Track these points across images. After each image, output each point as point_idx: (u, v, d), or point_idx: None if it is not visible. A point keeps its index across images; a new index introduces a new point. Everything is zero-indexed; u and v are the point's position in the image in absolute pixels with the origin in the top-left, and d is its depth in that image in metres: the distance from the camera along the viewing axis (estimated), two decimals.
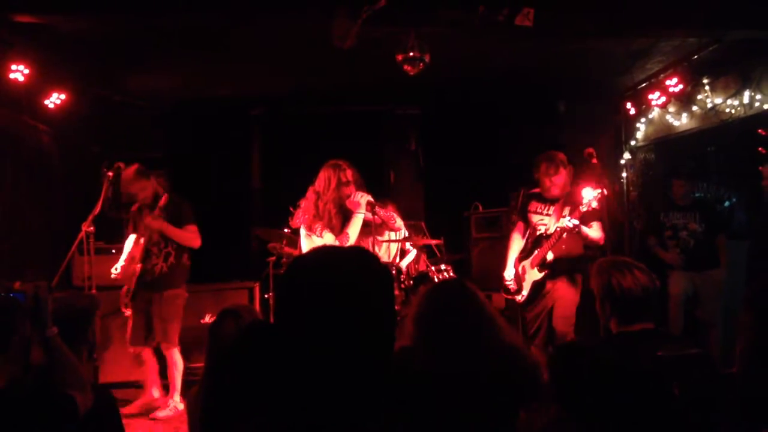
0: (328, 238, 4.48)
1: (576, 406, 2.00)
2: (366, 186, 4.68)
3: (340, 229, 4.51)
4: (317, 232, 4.49)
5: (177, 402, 4.99)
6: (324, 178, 4.54)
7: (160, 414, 4.95)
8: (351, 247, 1.47)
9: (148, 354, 5.10)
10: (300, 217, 4.60)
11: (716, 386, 2.58)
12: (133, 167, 5.11)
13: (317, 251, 1.44)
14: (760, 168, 5.28)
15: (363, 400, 1.28)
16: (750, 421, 1.71)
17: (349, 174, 4.55)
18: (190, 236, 5.12)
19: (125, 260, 5.11)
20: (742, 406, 1.90)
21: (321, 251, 1.44)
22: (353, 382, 1.27)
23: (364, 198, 4.53)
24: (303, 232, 4.57)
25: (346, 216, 4.56)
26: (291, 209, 4.72)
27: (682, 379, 2.40)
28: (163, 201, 4.98)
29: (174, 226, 5.04)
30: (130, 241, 5.21)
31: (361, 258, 1.40)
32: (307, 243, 4.53)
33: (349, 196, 4.53)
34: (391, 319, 1.40)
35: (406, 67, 4.86)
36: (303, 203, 4.61)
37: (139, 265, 5.00)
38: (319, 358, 1.26)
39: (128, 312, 5.03)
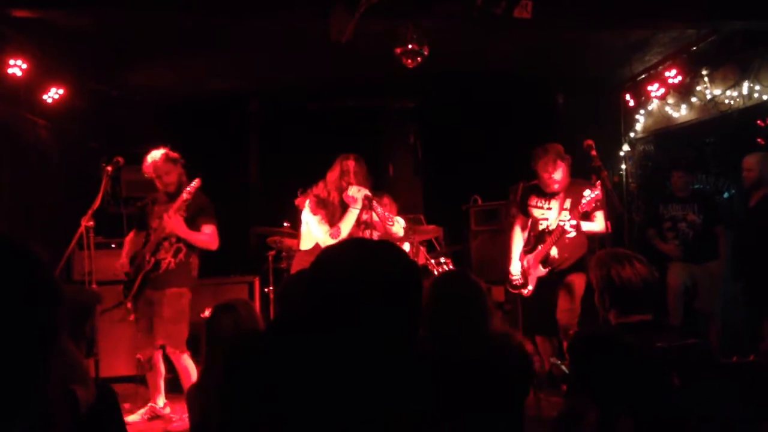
0: (324, 228, 4.53)
1: (598, 392, 2.02)
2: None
3: (335, 221, 4.54)
4: (319, 217, 4.56)
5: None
6: (332, 167, 4.61)
7: (174, 426, 4.74)
8: (380, 242, 1.47)
9: (157, 359, 4.82)
10: (309, 197, 4.64)
11: (715, 375, 2.59)
12: (163, 150, 4.87)
13: (345, 246, 1.44)
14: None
15: (389, 388, 1.28)
16: None
17: (350, 165, 4.57)
18: (207, 239, 4.79)
19: (127, 257, 4.87)
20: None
21: (349, 245, 1.44)
22: (380, 373, 1.28)
23: (360, 193, 4.49)
24: (307, 211, 4.61)
25: (345, 209, 4.59)
26: (300, 190, 4.77)
27: (681, 368, 2.41)
28: (186, 197, 4.62)
29: (191, 227, 4.72)
30: (131, 237, 5.03)
31: (391, 253, 1.40)
32: (312, 225, 4.59)
33: (345, 189, 4.54)
34: (418, 312, 1.40)
35: (405, 61, 4.86)
36: (314, 187, 4.67)
37: (153, 259, 4.72)
38: (347, 349, 1.27)
39: (132, 316, 4.78)
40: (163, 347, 4.71)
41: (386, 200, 5.98)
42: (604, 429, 1.98)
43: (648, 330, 2.63)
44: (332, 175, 4.61)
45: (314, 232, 4.60)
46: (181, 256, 4.76)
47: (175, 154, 4.88)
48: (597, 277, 2.80)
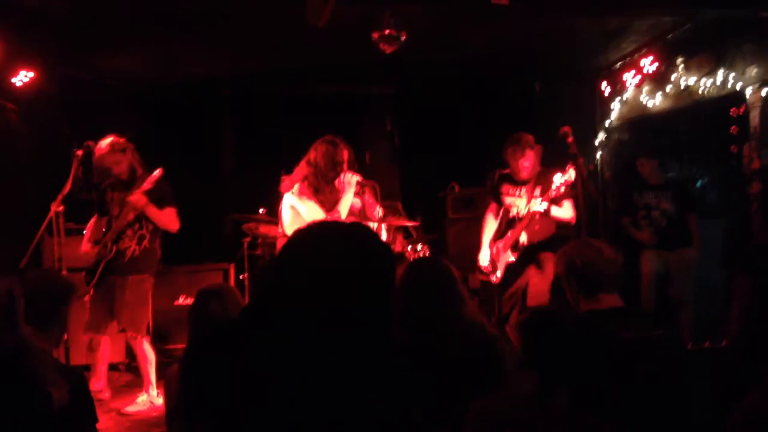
0: (321, 213, 4.50)
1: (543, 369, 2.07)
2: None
3: (331, 206, 4.53)
4: (313, 202, 4.52)
5: (153, 396, 4.81)
6: (322, 152, 4.53)
7: (131, 409, 4.76)
8: (353, 223, 1.44)
9: (102, 341, 4.87)
10: (298, 182, 4.58)
11: (684, 366, 2.62)
12: (109, 140, 4.80)
13: (317, 227, 1.40)
14: (733, 148, 5.35)
15: (364, 377, 1.26)
16: (747, 385, 1.74)
17: (345, 154, 4.59)
18: (171, 219, 4.86)
19: (90, 242, 4.88)
20: (736, 369, 1.94)
21: (320, 227, 1.40)
22: (354, 360, 1.26)
23: (354, 178, 4.58)
24: (296, 196, 4.54)
25: (336, 193, 4.59)
26: (283, 172, 4.71)
27: (648, 359, 2.43)
28: (148, 187, 4.66)
29: (156, 207, 4.78)
30: (92, 223, 5.00)
31: (364, 234, 1.38)
32: (305, 210, 4.52)
33: (339, 175, 4.55)
34: (391, 294, 1.38)
35: (382, 46, 4.84)
36: (296, 171, 4.61)
37: (114, 247, 4.76)
38: (318, 333, 1.24)
39: (87, 297, 4.76)
40: (123, 330, 4.81)
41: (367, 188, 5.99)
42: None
43: (617, 317, 2.64)
44: (322, 159, 4.54)
45: (308, 217, 4.51)
46: (145, 242, 4.84)
47: (121, 141, 4.84)
48: (561, 267, 2.82)
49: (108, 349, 4.96)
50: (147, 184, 4.68)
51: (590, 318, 2.67)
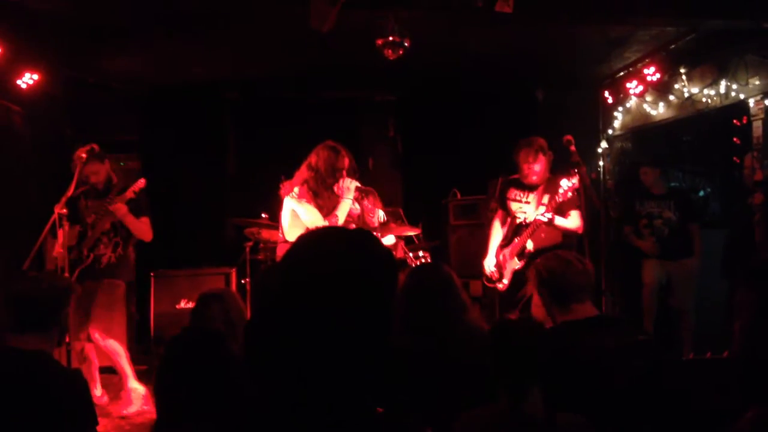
0: (319, 217, 4.50)
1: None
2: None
3: (329, 211, 4.53)
4: (312, 206, 4.52)
5: (137, 386, 4.87)
6: (323, 158, 4.54)
7: (129, 410, 4.80)
8: (355, 230, 1.44)
9: (90, 350, 4.93)
10: (298, 186, 4.58)
11: (671, 371, 2.62)
12: (89, 148, 4.88)
13: (320, 233, 1.40)
14: (735, 159, 5.35)
15: (365, 379, 1.26)
16: (750, 400, 1.74)
17: (346, 161, 4.59)
18: (146, 229, 4.97)
19: (61, 249, 4.85)
20: (741, 385, 1.94)
21: (323, 233, 1.40)
22: (355, 364, 1.26)
23: (353, 184, 4.59)
24: (295, 200, 4.54)
25: (335, 198, 4.60)
26: (283, 177, 4.72)
27: (629, 366, 2.43)
28: (130, 196, 4.78)
29: (133, 216, 4.88)
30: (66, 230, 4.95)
31: (366, 240, 1.38)
32: (303, 214, 4.53)
33: (338, 181, 4.56)
34: (393, 300, 1.38)
35: (386, 52, 4.84)
36: (297, 175, 4.61)
37: (91, 254, 4.87)
38: (322, 338, 1.24)
39: None
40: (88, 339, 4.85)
41: (370, 196, 6.01)
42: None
43: (594, 327, 2.63)
44: (323, 165, 4.55)
45: (307, 221, 4.53)
46: (120, 250, 4.97)
47: (96, 148, 4.92)
48: (533, 280, 2.85)
49: (94, 354, 5.00)
50: (129, 193, 4.80)
51: (565, 329, 2.67)
